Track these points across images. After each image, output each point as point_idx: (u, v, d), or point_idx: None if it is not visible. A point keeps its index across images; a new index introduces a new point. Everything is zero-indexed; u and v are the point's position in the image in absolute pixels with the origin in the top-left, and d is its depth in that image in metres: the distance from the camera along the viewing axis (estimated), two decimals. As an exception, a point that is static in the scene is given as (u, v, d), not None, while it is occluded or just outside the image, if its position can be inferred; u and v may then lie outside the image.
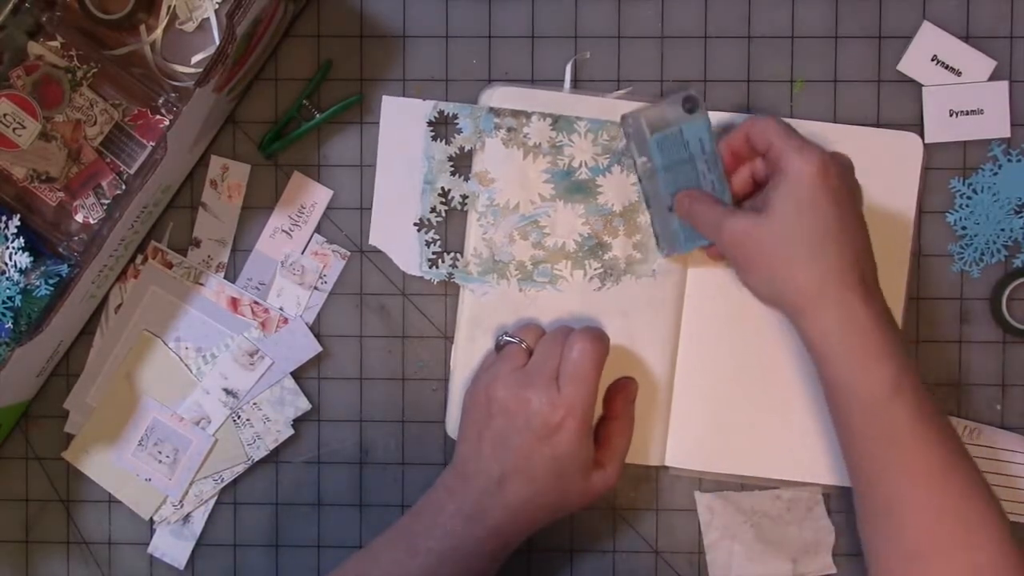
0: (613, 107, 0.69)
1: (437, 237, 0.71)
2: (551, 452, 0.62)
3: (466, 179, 0.70)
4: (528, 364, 0.64)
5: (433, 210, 0.70)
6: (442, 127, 0.70)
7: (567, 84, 0.71)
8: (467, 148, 0.70)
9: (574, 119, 0.69)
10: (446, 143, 0.70)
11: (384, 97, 0.71)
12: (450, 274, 0.70)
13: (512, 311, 0.70)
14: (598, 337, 0.64)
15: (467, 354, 0.70)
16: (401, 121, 0.70)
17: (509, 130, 0.69)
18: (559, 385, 0.62)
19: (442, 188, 0.70)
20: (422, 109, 0.70)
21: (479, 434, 0.64)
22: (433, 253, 0.71)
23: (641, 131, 0.66)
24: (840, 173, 0.61)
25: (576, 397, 0.62)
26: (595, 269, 0.69)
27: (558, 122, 0.69)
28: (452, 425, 0.71)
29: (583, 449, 0.63)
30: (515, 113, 0.69)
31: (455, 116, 0.70)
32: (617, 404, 0.67)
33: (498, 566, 0.65)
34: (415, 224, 0.71)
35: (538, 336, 0.66)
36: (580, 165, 0.69)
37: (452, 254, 0.70)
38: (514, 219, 0.69)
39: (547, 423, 0.62)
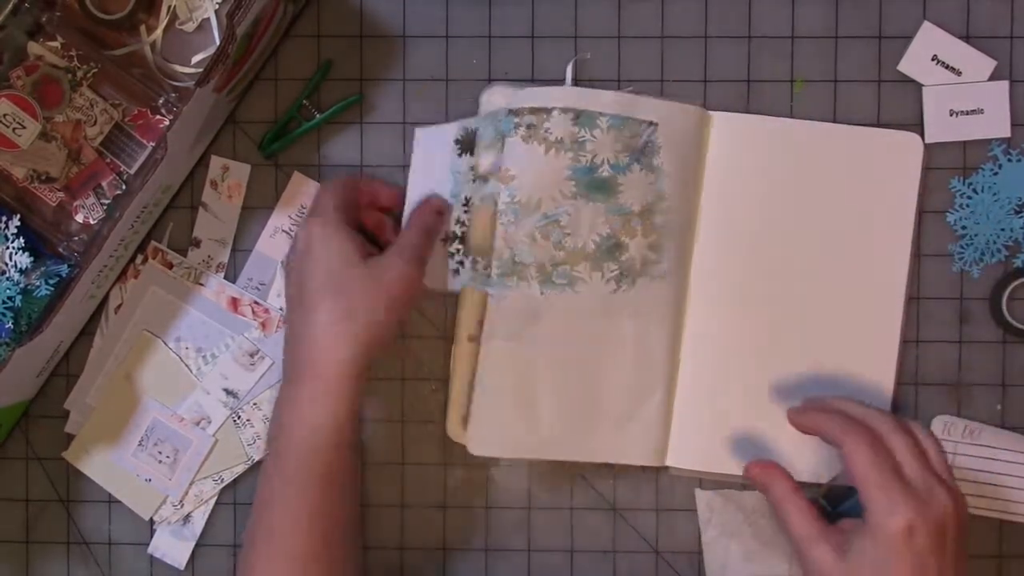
0: (630, 103, 0.68)
1: (460, 247, 0.70)
2: (312, 259, 0.64)
3: (485, 181, 0.69)
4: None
5: (458, 221, 0.70)
6: (467, 143, 0.70)
7: (568, 84, 0.71)
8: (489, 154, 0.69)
9: (596, 114, 0.68)
10: (471, 155, 0.69)
11: (416, 129, 0.71)
12: (472, 279, 0.69)
13: (530, 314, 0.69)
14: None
15: (496, 359, 0.69)
16: (431, 147, 0.70)
17: (529, 127, 0.68)
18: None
19: (465, 198, 0.69)
20: (450, 132, 0.70)
21: (285, 306, 0.68)
22: (456, 262, 0.70)
23: None
24: (932, 536, 0.56)
25: (316, 202, 0.67)
26: (612, 271, 0.68)
27: (580, 117, 0.68)
28: (452, 425, 0.71)
29: (336, 240, 0.64)
30: (535, 110, 0.68)
31: (476, 129, 0.69)
32: (415, 216, 0.68)
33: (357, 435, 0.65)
34: (442, 240, 0.70)
35: None
36: (602, 162, 0.68)
37: (470, 257, 0.69)
38: (536, 218, 0.68)
39: (300, 237, 0.65)
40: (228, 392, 0.71)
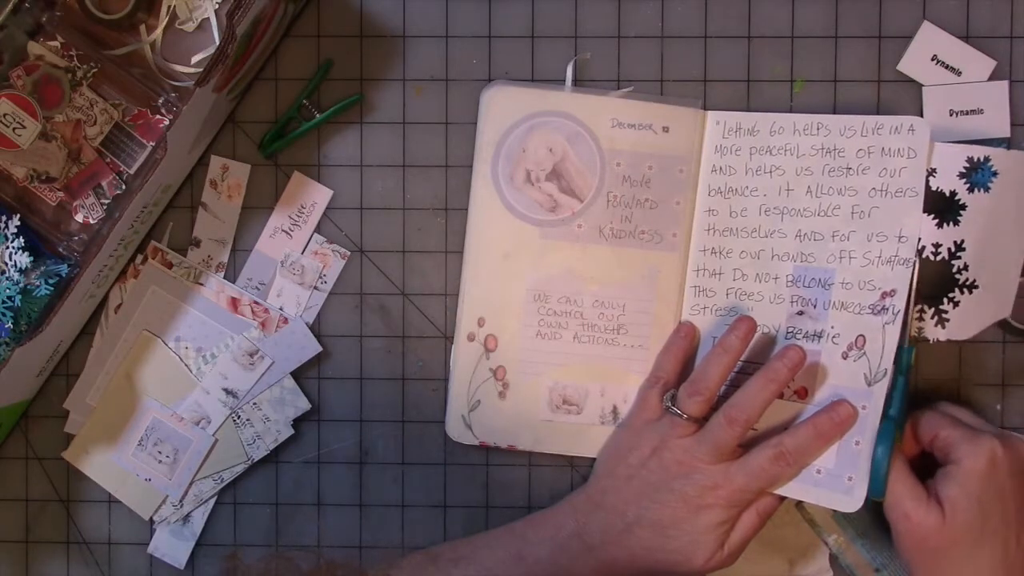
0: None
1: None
2: (691, 523, 0.64)
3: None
4: (711, 432, 0.64)
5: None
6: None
7: (568, 84, 0.71)
8: None
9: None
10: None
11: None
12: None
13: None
14: (797, 464, 0.64)
15: None
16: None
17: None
18: (731, 468, 0.63)
19: None
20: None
21: (628, 475, 0.66)
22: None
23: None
24: (1012, 465, 0.62)
25: (742, 491, 0.64)
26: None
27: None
28: (452, 426, 0.71)
29: (719, 532, 0.64)
30: None
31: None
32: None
33: None
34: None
35: (709, 401, 0.65)
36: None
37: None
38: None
39: (701, 497, 0.63)
40: (228, 392, 0.71)
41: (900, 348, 0.64)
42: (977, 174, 0.66)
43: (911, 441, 0.66)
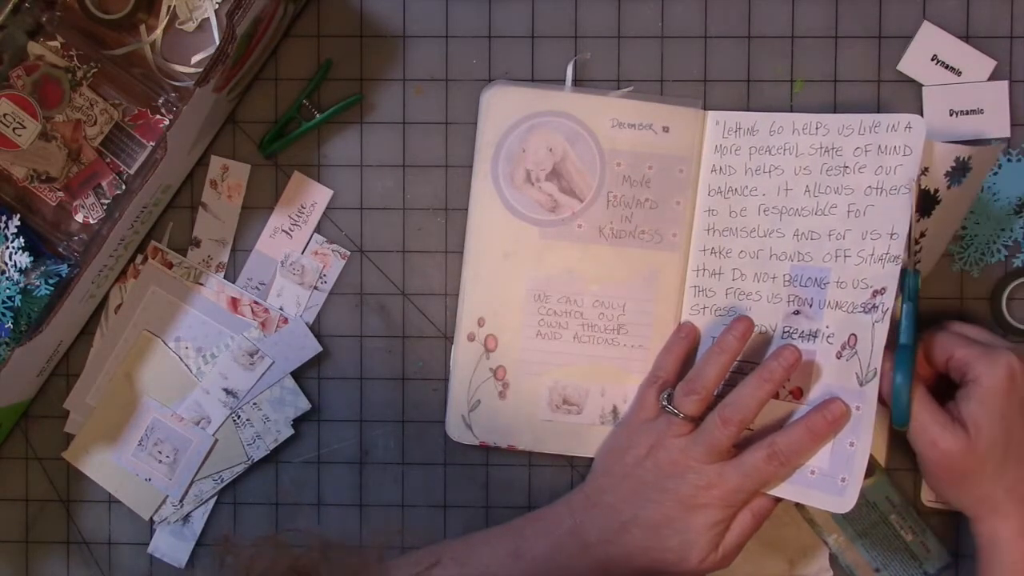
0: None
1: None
2: (685, 523, 0.64)
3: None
4: (706, 431, 0.64)
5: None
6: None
7: (568, 84, 0.71)
8: None
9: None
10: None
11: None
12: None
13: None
14: (790, 463, 0.64)
15: None
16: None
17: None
18: (725, 468, 0.63)
19: None
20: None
21: (624, 474, 0.66)
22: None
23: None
24: None
25: (736, 491, 0.63)
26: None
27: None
28: (452, 426, 0.71)
29: (714, 533, 0.64)
30: None
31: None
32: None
33: None
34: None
35: (705, 400, 0.65)
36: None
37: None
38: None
39: (695, 497, 0.63)
40: (228, 392, 0.71)
41: (904, 273, 0.64)
42: (959, 174, 0.66)
43: (924, 365, 0.66)
